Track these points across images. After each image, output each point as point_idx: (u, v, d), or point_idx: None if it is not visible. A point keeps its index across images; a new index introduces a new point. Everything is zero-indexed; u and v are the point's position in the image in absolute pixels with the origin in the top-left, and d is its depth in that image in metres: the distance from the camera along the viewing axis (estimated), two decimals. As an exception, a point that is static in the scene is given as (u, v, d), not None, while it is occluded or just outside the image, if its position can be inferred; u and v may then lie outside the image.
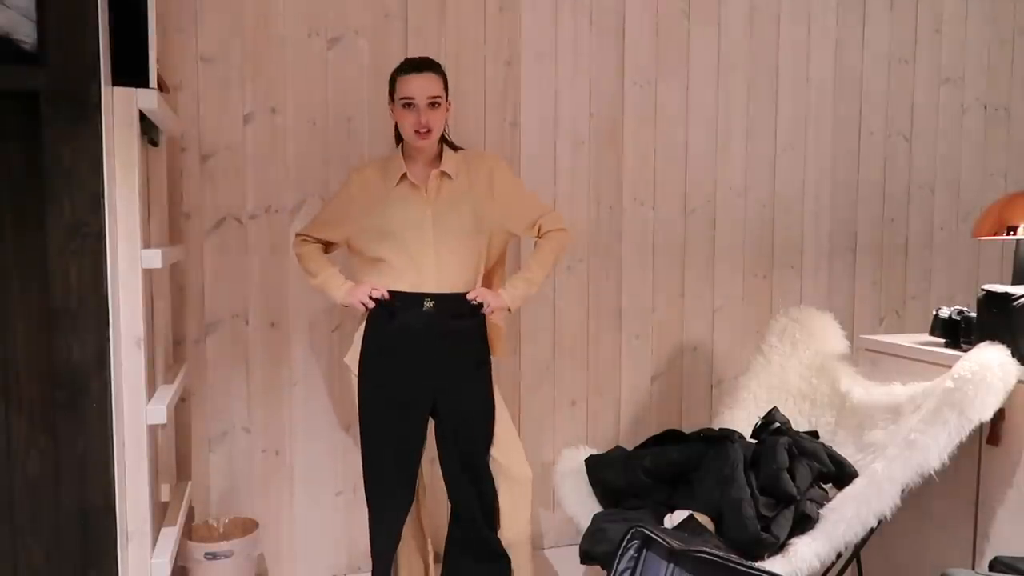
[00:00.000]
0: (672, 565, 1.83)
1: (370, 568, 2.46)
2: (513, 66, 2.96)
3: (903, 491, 2.05)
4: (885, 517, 2.04)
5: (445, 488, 2.45)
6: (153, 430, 2.13)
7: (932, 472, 2.04)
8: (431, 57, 2.39)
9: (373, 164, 2.48)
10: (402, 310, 2.34)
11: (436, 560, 2.64)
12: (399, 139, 2.43)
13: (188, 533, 2.62)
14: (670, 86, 3.15)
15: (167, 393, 2.19)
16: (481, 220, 2.38)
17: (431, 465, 2.53)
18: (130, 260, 1.95)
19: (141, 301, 1.97)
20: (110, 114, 1.87)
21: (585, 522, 2.32)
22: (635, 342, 3.18)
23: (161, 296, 2.48)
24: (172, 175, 2.64)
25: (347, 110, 2.79)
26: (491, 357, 2.46)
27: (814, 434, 2.46)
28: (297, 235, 2.48)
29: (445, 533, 2.50)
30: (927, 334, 2.61)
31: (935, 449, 2.04)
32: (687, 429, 2.65)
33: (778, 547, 2.07)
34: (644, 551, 1.88)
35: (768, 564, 2.00)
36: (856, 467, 2.25)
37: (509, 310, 2.43)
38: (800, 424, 2.54)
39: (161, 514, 2.34)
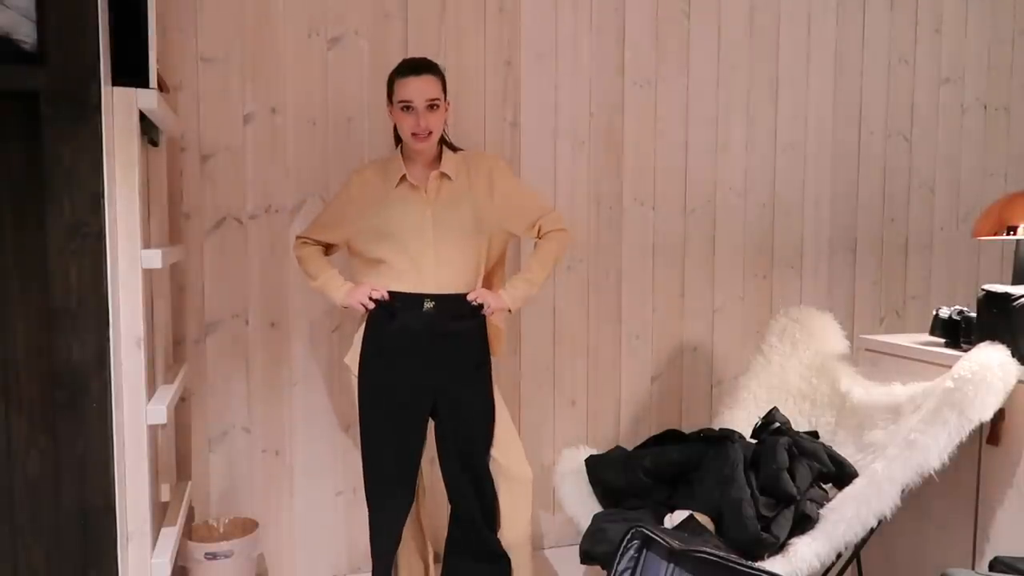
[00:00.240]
0: (672, 565, 1.83)
1: (370, 568, 2.46)
2: (513, 66, 2.96)
3: (903, 491, 2.05)
4: (885, 517, 2.04)
5: (445, 489, 2.45)
6: (153, 430, 2.13)
7: (932, 472, 2.04)
8: (429, 58, 2.38)
9: (373, 165, 2.48)
10: (402, 311, 2.34)
11: (436, 560, 2.64)
12: (398, 140, 2.43)
13: (188, 533, 2.62)
14: (670, 86, 3.15)
15: (167, 393, 2.19)
16: (481, 221, 2.38)
17: (431, 466, 2.53)
18: (130, 260, 1.95)
19: (141, 301, 1.97)
20: (110, 114, 1.87)
21: (585, 522, 2.32)
22: (635, 342, 3.18)
23: (161, 296, 2.48)
24: (172, 175, 2.64)
25: (347, 110, 2.79)
26: (491, 358, 2.46)
27: (814, 434, 2.46)
28: (297, 237, 2.48)
29: (445, 534, 2.50)
30: (927, 334, 2.61)
31: (935, 449, 2.04)
32: (687, 429, 2.65)
33: (778, 547, 2.07)
34: (644, 551, 1.88)
35: (768, 564, 2.00)
36: (856, 467, 2.25)
37: (509, 311, 2.43)
38: (800, 424, 2.54)
39: (161, 514, 2.34)
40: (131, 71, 1.95)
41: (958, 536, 2.33)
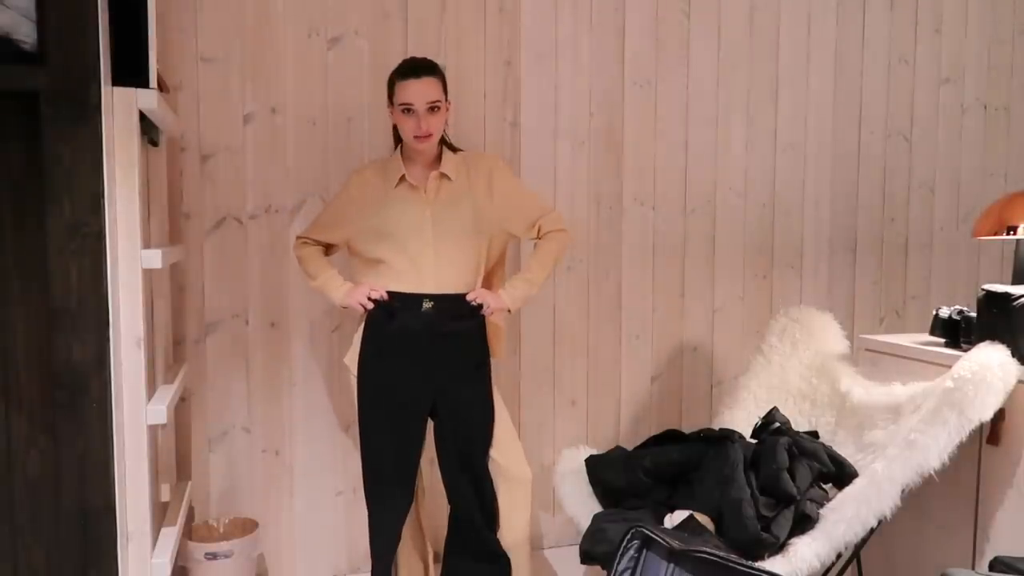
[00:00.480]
0: (672, 565, 1.83)
1: (370, 568, 2.46)
2: (513, 66, 2.96)
3: (903, 491, 2.05)
4: (885, 517, 2.04)
5: (444, 489, 2.45)
6: (153, 430, 2.13)
7: (932, 472, 2.04)
8: (429, 58, 2.38)
9: (372, 165, 2.48)
10: (401, 311, 2.34)
11: (436, 560, 2.64)
12: (398, 140, 2.43)
13: (188, 533, 2.62)
14: (670, 86, 3.15)
15: (167, 393, 2.19)
16: (480, 221, 2.38)
17: (430, 466, 2.53)
18: (130, 260, 1.95)
19: (141, 301, 1.97)
20: (110, 114, 1.87)
21: (585, 522, 2.32)
22: (635, 342, 3.18)
23: (161, 296, 2.48)
24: (172, 175, 2.64)
25: (347, 110, 2.79)
26: (490, 358, 2.46)
27: (814, 434, 2.46)
28: (297, 237, 2.48)
29: (445, 534, 2.50)
30: (927, 334, 2.61)
31: (935, 449, 2.04)
32: (687, 429, 2.65)
33: (778, 547, 2.07)
34: (644, 551, 1.88)
35: (768, 564, 2.00)
36: (856, 467, 2.25)
37: (509, 311, 2.43)
38: (800, 424, 2.54)
39: (161, 514, 2.34)
40: (131, 71, 1.95)
41: (958, 536, 2.33)
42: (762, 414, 2.49)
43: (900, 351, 2.58)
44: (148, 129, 2.20)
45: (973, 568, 2.24)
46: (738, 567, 1.78)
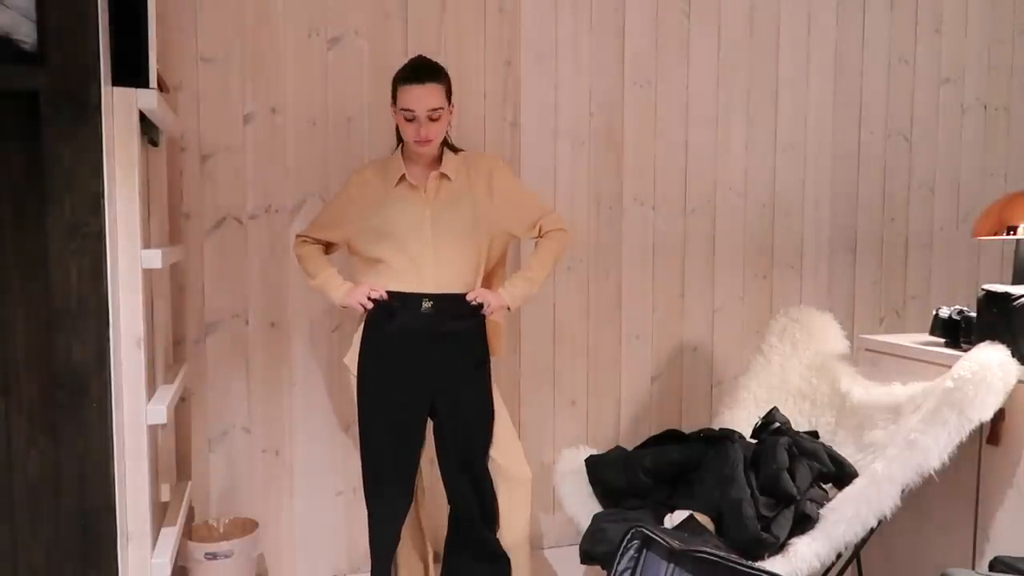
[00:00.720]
0: (672, 565, 1.83)
1: (370, 568, 2.46)
2: (513, 66, 2.96)
3: (903, 491, 2.05)
4: (885, 517, 2.04)
5: (444, 489, 2.45)
6: (153, 430, 2.13)
7: (932, 472, 2.04)
8: (435, 62, 2.35)
9: (372, 165, 2.48)
10: (401, 311, 2.34)
11: (436, 561, 2.64)
12: (400, 139, 2.43)
13: (188, 533, 2.62)
14: (670, 86, 3.15)
15: (167, 393, 2.19)
16: (480, 221, 2.38)
17: (430, 466, 2.53)
18: (130, 260, 1.95)
19: (141, 301, 1.97)
20: (110, 114, 1.87)
21: (585, 522, 2.32)
22: (635, 342, 3.18)
23: (161, 296, 2.48)
24: (172, 175, 2.64)
25: (347, 110, 2.79)
26: (490, 357, 2.46)
27: (814, 434, 2.46)
28: (297, 236, 2.48)
29: (444, 534, 2.50)
30: (927, 334, 2.61)
31: (935, 449, 2.04)
32: (687, 429, 2.65)
33: (778, 547, 2.07)
34: (644, 551, 1.88)
35: (768, 564, 2.00)
36: (856, 467, 2.25)
37: (509, 309, 2.43)
38: (800, 424, 2.54)
39: (161, 514, 2.34)
40: (131, 71, 1.95)
41: (958, 536, 2.33)
42: (762, 414, 2.49)
43: (900, 351, 2.58)
44: (148, 129, 2.20)
45: (973, 568, 2.24)
46: (738, 567, 1.78)
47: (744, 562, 1.80)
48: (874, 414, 2.38)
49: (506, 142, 2.97)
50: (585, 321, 3.12)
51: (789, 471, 2.18)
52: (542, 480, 2.91)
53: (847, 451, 2.36)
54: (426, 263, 2.34)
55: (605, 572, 2.04)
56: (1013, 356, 2.15)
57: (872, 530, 2.07)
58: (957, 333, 2.45)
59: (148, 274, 2.11)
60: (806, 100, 3.33)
